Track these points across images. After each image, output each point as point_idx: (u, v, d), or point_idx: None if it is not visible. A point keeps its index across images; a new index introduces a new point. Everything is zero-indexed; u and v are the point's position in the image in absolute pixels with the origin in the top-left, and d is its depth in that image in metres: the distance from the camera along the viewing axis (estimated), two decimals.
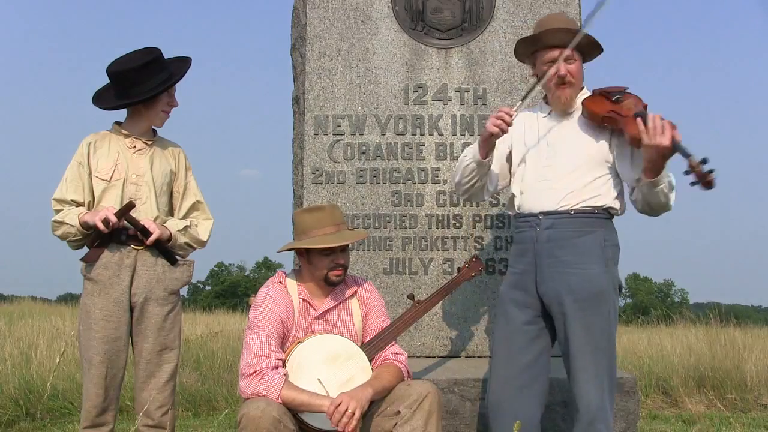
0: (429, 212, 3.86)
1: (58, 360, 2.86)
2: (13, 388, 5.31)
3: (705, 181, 2.43)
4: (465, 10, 3.97)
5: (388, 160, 3.89)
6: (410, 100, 3.92)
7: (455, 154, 3.87)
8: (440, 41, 3.96)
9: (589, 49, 2.88)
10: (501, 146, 2.93)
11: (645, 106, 2.75)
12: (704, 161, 2.42)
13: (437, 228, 3.85)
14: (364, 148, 3.89)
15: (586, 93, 2.92)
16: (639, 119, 2.59)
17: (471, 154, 2.86)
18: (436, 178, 3.87)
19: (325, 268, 2.82)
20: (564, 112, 2.89)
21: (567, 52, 2.76)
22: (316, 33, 3.97)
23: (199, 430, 4.92)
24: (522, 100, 2.78)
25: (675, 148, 2.50)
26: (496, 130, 2.69)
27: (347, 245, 2.86)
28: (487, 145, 2.79)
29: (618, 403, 3.34)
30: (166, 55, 3.19)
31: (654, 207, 2.72)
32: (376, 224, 3.85)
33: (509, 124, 2.70)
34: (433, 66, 3.94)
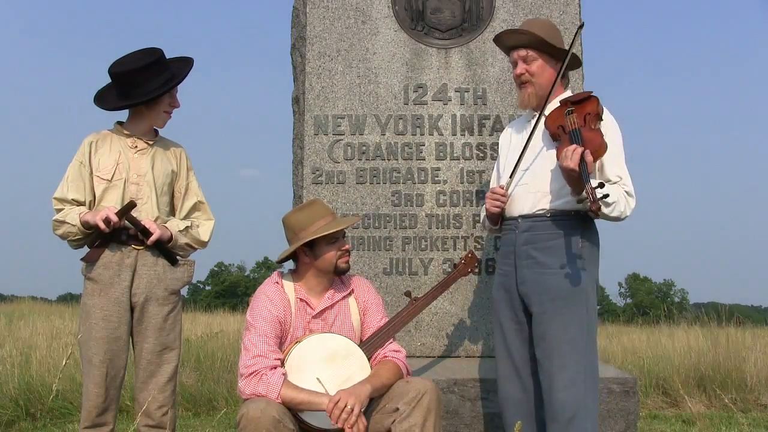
0: (429, 212, 3.86)
1: (64, 362, 2.86)
2: (13, 388, 5.31)
3: (592, 208, 2.55)
4: (465, 10, 3.97)
5: (388, 160, 3.89)
6: (410, 100, 3.92)
7: (455, 154, 3.87)
8: (440, 41, 3.96)
9: (550, 51, 2.95)
10: (497, 172, 3.17)
11: (598, 114, 2.84)
12: (600, 185, 2.56)
13: (437, 228, 3.85)
14: (364, 148, 3.89)
15: (565, 95, 3.01)
16: (567, 143, 2.74)
17: (486, 223, 3.11)
18: (436, 178, 3.87)
19: (334, 257, 2.84)
20: (542, 115, 2.98)
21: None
22: (316, 33, 3.97)
23: (199, 430, 4.92)
24: (510, 177, 2.93)
25: (579, 172, 2.62)
26: (497, 210, 2.94)
27: (345, 233, 2.95)
28: (494, 218, 3.01)
29: (618, 403, 3.34)
30: (167, 55, 3.19)
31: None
32: (376, 224, 3.85)
33: (506, 197, 2.93)
34: (433, 66, 3.95)
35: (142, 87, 3.07)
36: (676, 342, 7.92)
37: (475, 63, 3.94)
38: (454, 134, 3.90)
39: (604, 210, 2.64)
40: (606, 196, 2.55)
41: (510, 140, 3.11)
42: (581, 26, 2.91)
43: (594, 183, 2.57)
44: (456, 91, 3.92)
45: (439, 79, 3.93)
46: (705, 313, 8.13)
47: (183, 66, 3.21)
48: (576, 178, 2.64)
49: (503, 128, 3.82)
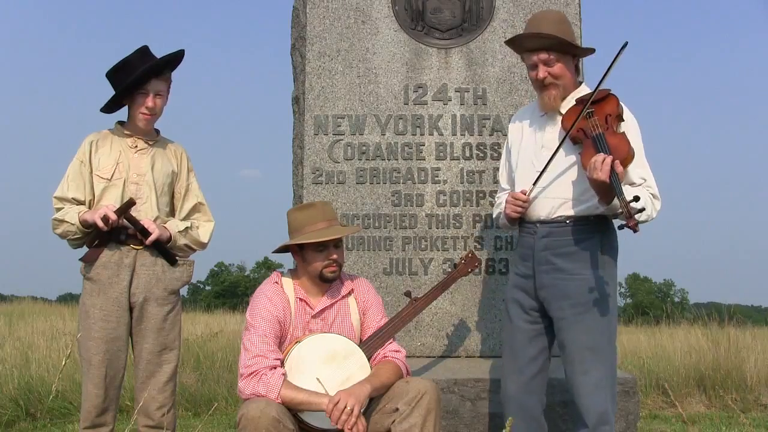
0: (429, 212, 3.86)
1: (64, 363, 2.86)
2: (13, 388, 5.31)
3: (630, 224, 2.45)
4: (465, 10, 3.97)
5: (388, 160, 3.89)
6: (410, 100, 3.92)
7: (455, 154, 3.87)
8: (440, 41, 3.96)
9: (568, 49, 2.84)
10: (508, 165, 3.06)
11: (619, 115, 2.74)
12: (636, 199, 2.45)
13: (437, 228, 3.85)
14: (364, 148, 3.89)
15: (582, 91, 2.90)
16: (591, 149, 2.63)
17: (502, 218, 3.01)
18: (436, 178, 3.87)
19: (320, 265, 2.82)
20: (557, 113, 2.88)
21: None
22: (316, 33, 3.97)
23: (199, 430, 4.92)
24: (534, 183, 2.82)
25: (611, 185, 2.52)
26: (516, 215, 2.87)
27: (341, 241, 2.89)
28: (513, 221, 2.94)
29: (618, 403, 3.33)
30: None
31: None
32: (376, 224, 3.85)
33: (528, 203, 2.84)
34: (433, 66, 3.94)
35: (127, 76, 3.06)
36: (676, 342, 7.91)
37: (475, 63, 3.94)
38: (454, 134, 3.90)
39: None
40: (642, 209, 2.48)
41: (522, 136, 3.00)
42: (625, 45, 2.73)
43: (628, 196, 2.48)
44: (456, 91, 3.92)
45: (439, 79, 3.93)
46: (705, 313, 8.11)
47: (169, 56, 3.16)
48: (606, 190, 2.56)
49: (503, 128, 3.83)
